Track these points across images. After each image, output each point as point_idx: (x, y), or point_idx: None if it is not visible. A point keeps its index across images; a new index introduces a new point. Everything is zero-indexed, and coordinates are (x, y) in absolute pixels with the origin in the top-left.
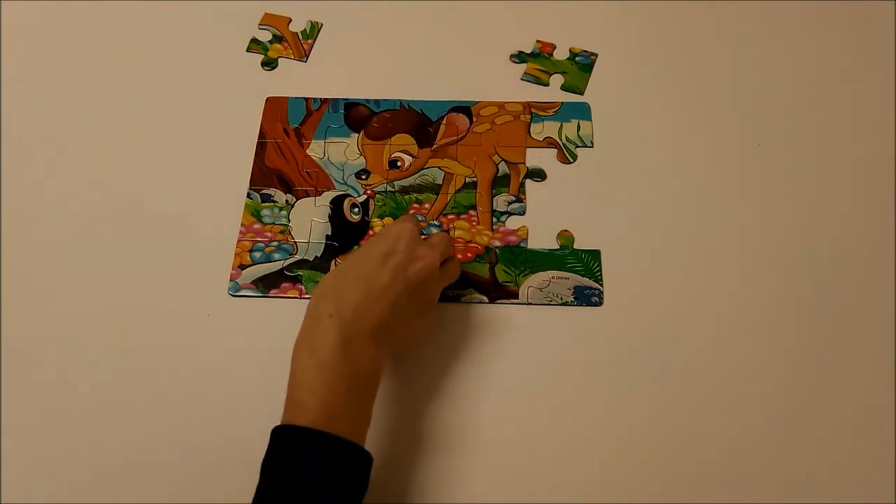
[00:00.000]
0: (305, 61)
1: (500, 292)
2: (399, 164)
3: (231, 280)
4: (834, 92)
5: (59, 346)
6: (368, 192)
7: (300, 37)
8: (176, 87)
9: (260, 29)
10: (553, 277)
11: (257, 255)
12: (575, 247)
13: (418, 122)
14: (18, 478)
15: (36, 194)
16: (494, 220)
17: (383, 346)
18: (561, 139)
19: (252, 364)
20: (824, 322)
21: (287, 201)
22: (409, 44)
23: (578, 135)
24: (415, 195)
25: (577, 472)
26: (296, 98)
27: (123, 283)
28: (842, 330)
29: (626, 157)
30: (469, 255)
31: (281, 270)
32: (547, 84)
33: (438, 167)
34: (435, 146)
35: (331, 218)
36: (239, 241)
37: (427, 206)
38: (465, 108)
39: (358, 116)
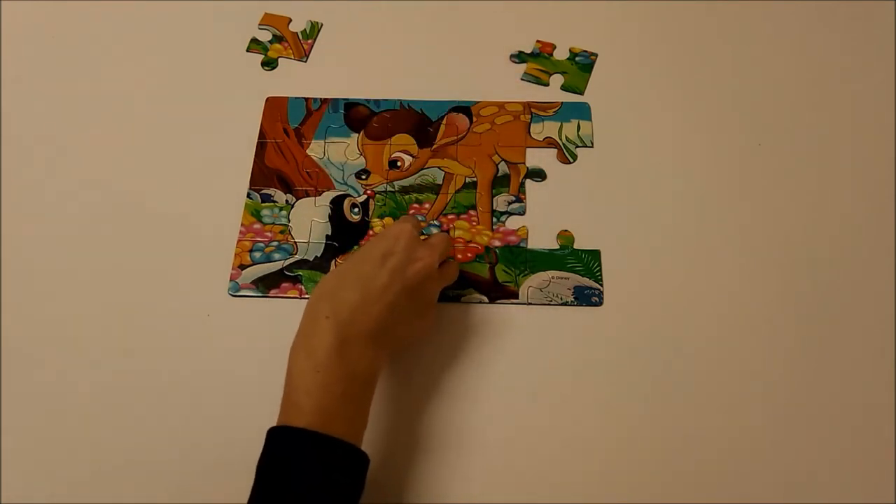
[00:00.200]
0: (305, 61)
1: (500, 292)
2: (399, 164)
3: (231, 280)
4: (834, 92)
5: (59, 346)
6: (368, 192)
7: (300, 37)
8: (176, 87)
9: (260, 29)
10: (553, 277)
11: (257, 255)
12: (575, 247)
13: (418, 122)
14: (18, 478)
15: (36, 194)
16: (494, 220)
17: (381, 348)
18: (561, 139)
19: (252, 364)
20: (824, 322)
21: (287, 201)
22: (409, 44)
23: (578, 135)
24: (415, 195)
25: (577, 472)
26: (296, 98)
27: (123, 283)
28: (842, 330)
29: (626, 157)
30: (469, 255)
31: (281, 270)
32: (547, 84)
33: (438, 167)
34: (435, 146)
35: (331, 218)
36: (239, 241)
37: (427, 206)
38: (465, 108)
39: (358, 116)
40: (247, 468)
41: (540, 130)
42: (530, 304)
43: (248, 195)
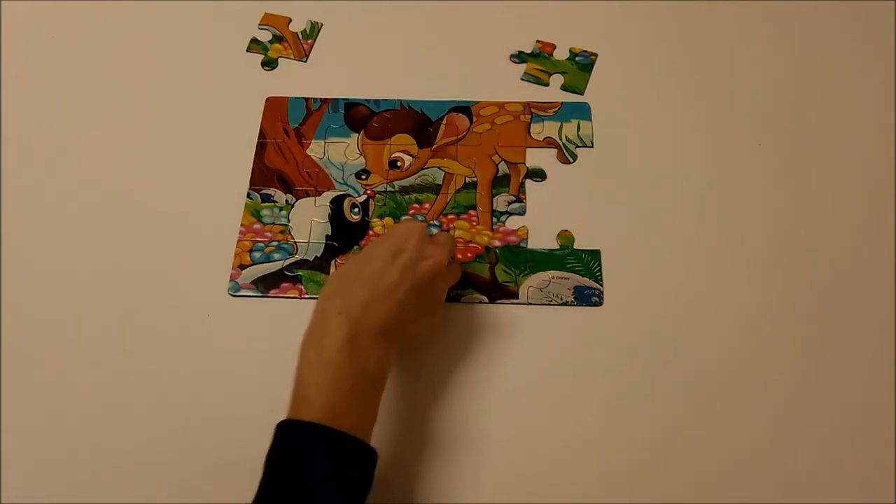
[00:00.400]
0: (305, 61)
1: (500, 292)
2: (399, 164)
3: (231, 280)
4: (834, 92)
5: (59, 346)
6: (368, 192)
7: (300, 37)
8: (176, 88)
9: (260, 29)
10: (553, 277)
11: (257, 255)
12: (575, 247)
13: (418, 122)
14: (18, 478)
15: (36, 194)
16: (494, 220)
17: (391, 345)
18: (561, 139)
19: (252, 364)
20: (824, 322)
21: (287, 201)
22: (409, 44)
23: (578, 135)
24: (415, 195)
25: (577, 472)
26: (296, 98)
27: (123, 283)
28: (842, 330)
29: (626, 157)
30: (469, 255)
31: (281, 270)
32: (547, 84)
33: (438, 167)
34: (435, 146)
35: (331, 218)
36: (239, 241)
37: (427, 206)
38: (465, 108)
39: (358, 116)
40: (247, 468)
41: (540, 130)
42: (530, 304)
43: (248, 195)
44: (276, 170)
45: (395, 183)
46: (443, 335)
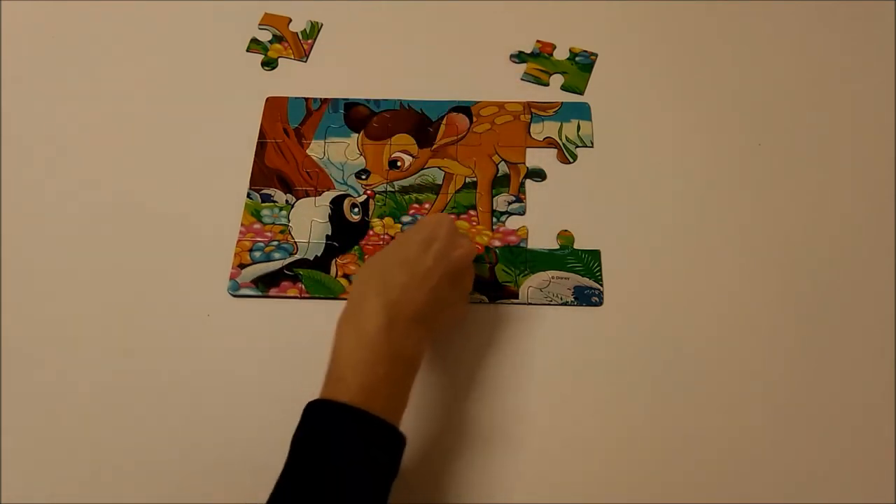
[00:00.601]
0: (305, 61)
1: (500, 292)
2: (399, 164)
3: (231, 279)
4: (834, 92)
5: (59, 346)
6: (368, 192)
7: (300, 37)
8: (176, 87)
9: (260, 29)
10: (553, 277)
11: (257, 254)
12: (575, 247)
13: (418, 122)
14: (18, 478)
15: (36, 194)
16: (494, 220)
17: (426, 331)
18: (561, 139)
19: (252, 364)
20: (824, 322)
21: (287, 201)
22: (409, 44)
23: (578, 135)
24: (415, 195)
25: (577, 471)
26: (296, 98)
27: (123, 283)
28: (842, 330)
29: (626, 157)
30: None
31: (281, 269)
32: (547, 84)
33: (438, 167)
34: (435, 146)
35: (331, 218)
36: (239, 240)
37: (427, 206)
38: (465, 108)
39: (358, 116)
40: (247, 468)
41: (540, 130)
42: (530, 304)
43: (248, 195)
44: (276, 170)
45: (395, 183)
46: (443, 335)
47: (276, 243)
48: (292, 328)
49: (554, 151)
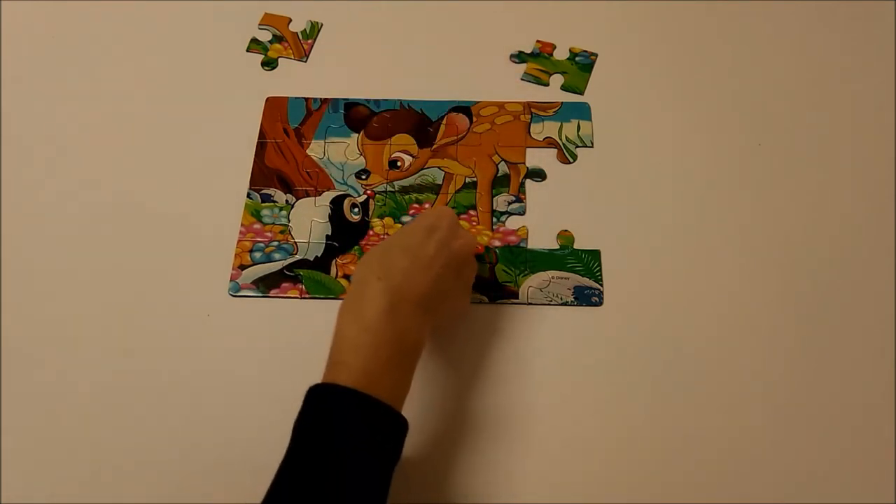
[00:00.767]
0: (305, 61)
1: (500, 292)
2: (399, 164)
3: (231, 280)
4: (834, 92)
5: (59, 346)
6: (368, 192)
7: (300, 37)
8: (176, 87)
9: (260, 29)
10: (553, 277)
11: (257, 255)
12: (575, 247)
13: (418, 122)
14: (18, 478)
15: (36, 194)
16: (494, 220)
17: (428, 316)
18: (561, 139)
19: (252, 364)
20: (824, 322)
21: (287, 201)
22: (409, 44)
23: (578, 135)
24: (415, 195)
25: (577, 471)
26: (296, 98)
27: (123, 283)
28: (842, 330)
29: (626, 157)
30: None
31: (281, 270)
32: (547, 84)
33: (438, 167)
34: (435, 146)
35: (331, 218)
36: (239, 241)
37: (427, 206)
38: (465, 108)
39: (358, 116)
40: (247, 468)
41: (540, 130)
42: (530, 304)
43: (248, 195)
44: (276, 170)
45: (395, 183)
46: (442, 336)
47: (276, 244)
48: (292, 328)
49: (554, 151)
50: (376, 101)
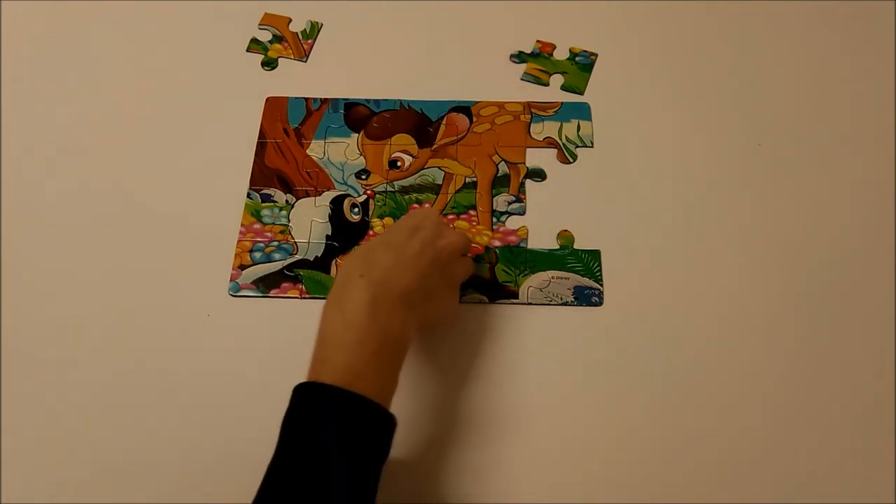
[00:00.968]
0: (305, 61)
1: (500, 292)
2: (399, 164)
3: (231, 280)
4: (834, 92)
5: (59, 346)
6: (368, 192)
7: (300, 37)
8: (176, 88)
9: (260, 29)
10: (553, 277)
11: (257, 255)
12: (575, 247)
13: (418, 122)
14: (18, 478)
15: (36, 194)
16: (494, 220)
17: (413, 312)
18: (561, 139)
19: (252, 364)
20: (824, 322)
21: (287, 201)
22: (409, 44)
23: (578, 135)
24: (415, 195)
25: (577, 472)
26: (296, 98)
27: (123, 283)
28: (842, 330)
29: (626, 157)
30: (469, 255)
31: (281, 270)
32: (547, 84)
33: (438, 167)
34: (435, 146)
35: (331, 218)
36: (239, 241)
37: (427, 206)
38: (465, 108)
39: (358, 116)
40: (247, 468)
41: (540, 130)
42: (530, 304)
43: (248, 195)
44: (276, 170)
45: (395, 183)
46: (442, 335)
47: (276, 244)
48: (292, 328)
49: (554, 151)
50: (376, 101)
